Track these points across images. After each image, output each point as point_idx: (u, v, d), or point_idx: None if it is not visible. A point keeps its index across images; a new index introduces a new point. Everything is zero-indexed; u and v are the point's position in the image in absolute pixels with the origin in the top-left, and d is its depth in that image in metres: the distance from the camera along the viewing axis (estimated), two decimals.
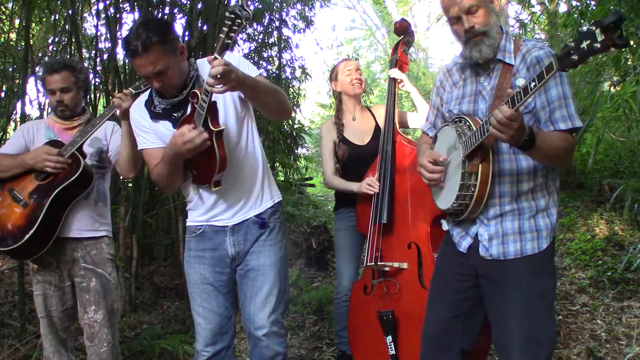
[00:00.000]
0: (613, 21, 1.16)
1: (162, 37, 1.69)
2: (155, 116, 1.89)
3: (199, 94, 1.68)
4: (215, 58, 1.53)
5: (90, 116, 2.42)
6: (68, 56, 4.29)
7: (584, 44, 1.21)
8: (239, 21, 1.49)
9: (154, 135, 1.91)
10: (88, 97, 2.58)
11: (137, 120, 1.94)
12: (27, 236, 2.11)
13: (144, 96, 1.98)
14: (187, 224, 2.02)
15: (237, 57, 1.85)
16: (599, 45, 1.19)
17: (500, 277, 1.69)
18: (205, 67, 1.79)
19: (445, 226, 1.89)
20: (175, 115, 1.86)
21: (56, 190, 2.17)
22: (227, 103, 1.87)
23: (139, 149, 2.02)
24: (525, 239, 1.67)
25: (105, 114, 2.24)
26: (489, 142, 1.60)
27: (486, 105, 1.70)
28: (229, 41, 1.52)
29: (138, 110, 1.94)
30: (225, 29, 1.51)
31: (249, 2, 5.62)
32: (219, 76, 1.54)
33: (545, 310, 1.66)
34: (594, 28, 1.20)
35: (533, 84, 1.35)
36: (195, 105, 1.70)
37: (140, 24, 1.71)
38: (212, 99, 1.67)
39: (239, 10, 1.48)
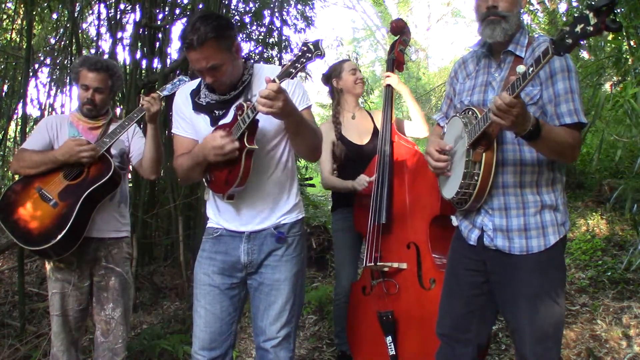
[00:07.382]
0: (605, 4, 1.18)
1: (218, 32, 1.68)
2: (197, 107, 1.89)
3: (245, 108, 1.68)
4: (274, 81, 1.55)
5: (112, 117, 2.41)
6: (69, 56, 4.29)
7: (578, 28, 1.23)
8: (309, 55, 1.51)
9: (190, 126, 1.92)
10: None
11: (179, 106, 1.94)
12: (59, 237, 2.09)
13: (193, 84, 1.97)
14: (207, 226, 2.00)
15: (294, 83, 1.83)
16: (591, 29, 1.20)
17: (508, 273, 1.70)
18: (262, 74, 1.79)
19: (454, 221, 1.89)
20: (217, 112, 1.85)
21: (88, 191, 2.15)
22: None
23: (172, 131, 1.99)
24: (530, 235, 1.67)
25: (134, 117, 2.24)
26: (493, 131, 1.61)
27: (495, 95, 1.70)
28: (293, 70, 1.54)
29: (183, 97, 1.95)
30: (294, 57, 1.53)
31: (251, 2, 5.62)
32: (267, 99, 1.55)
33: (554, 305, 1.67)
34: (587, 12, 1.21)
35: (531, 69, 1.36)
36: (238, 117, 1.71)
37: (199, 18, 1.69)
38: (256, 117, 1.67)
39: (312, 46, 1.51)
